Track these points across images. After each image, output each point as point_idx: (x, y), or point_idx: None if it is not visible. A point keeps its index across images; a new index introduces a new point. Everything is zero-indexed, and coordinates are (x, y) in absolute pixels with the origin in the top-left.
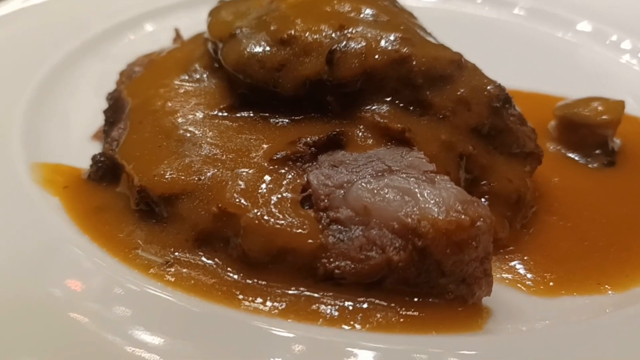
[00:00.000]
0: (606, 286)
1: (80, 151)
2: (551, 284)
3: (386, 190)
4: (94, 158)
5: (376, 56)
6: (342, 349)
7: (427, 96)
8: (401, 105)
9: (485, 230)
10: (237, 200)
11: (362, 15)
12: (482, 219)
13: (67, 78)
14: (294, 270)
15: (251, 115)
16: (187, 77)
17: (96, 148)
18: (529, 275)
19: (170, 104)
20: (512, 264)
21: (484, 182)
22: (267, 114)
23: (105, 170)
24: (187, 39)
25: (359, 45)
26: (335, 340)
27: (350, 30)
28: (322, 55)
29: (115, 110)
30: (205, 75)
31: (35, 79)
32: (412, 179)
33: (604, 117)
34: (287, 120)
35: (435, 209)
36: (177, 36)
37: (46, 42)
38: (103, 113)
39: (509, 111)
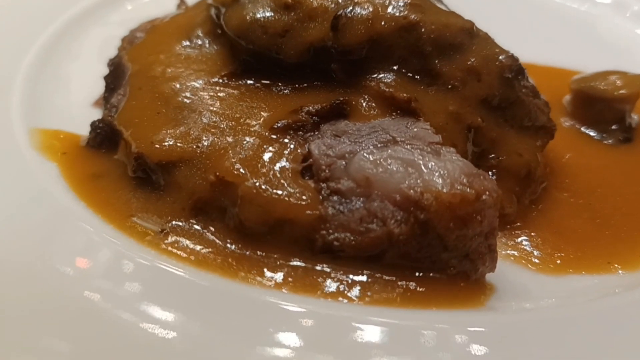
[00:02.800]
0: (616, 265)
1: (81, 117)
2: (559, 262)
3: (389, 162)
4: (92, 124)
5: (383, 22)
6: (347, 323)
7: (435, 65)
8: (408, 74)
9: (491, 205)
10: (236, 169)
11: None
12: (487, 193)
13: (69, 43)
14: (292, 241)
15: (253, 82)
16: (188, 43)
17: (97, 114)
18: (535, 253)
19: (170, 70)
20: (519, 240)
21: (493, 155)
22: (270, 82)
23: (104, 137)
24: (191, 5)
25: (366, 11)
26: (338, 315)
27: None
28: (327, 20)
29: (115, 76)
30: (207, 41)
31: (36, 44)
32: (416, 150)
33: (621, 91)
34: (289, 88)
35: (440, 182)
36: (182, 1)
37: (48, 7)
38: (104, 79)
39: (522, 83)
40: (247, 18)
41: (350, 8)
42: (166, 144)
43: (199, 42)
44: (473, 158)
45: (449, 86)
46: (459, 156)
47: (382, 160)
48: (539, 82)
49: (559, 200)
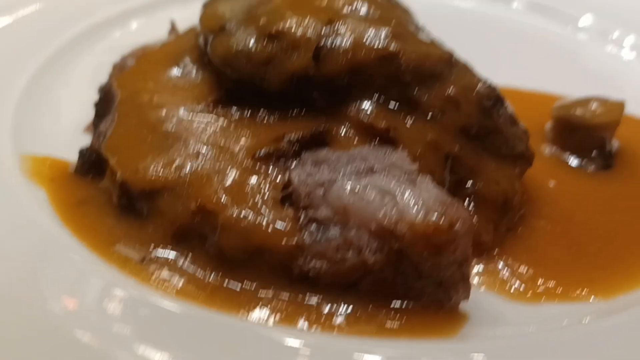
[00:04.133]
0: (591, 294)
1: (72, 143)
2: (533, 289)
3: (366, 190)
4: (81, 152)
5: (364, 52)
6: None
7: (415, 94)
8: (388, 103)
9: (464, 234)
10: (217, 197)
11: (353, 10)
12: (460, 222)
13: (62, 69)
14: (270, 269)
15: (237, 110)
16: (176, 71)
17: (88, 140)
18: (511, 280)
19: (157, 98)
20: (495, 267)
21: (470, 183)
22: (253, 110)
23: (92, 164)
24: (182, 32)
25: (347, 41)
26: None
27: (339, 25)
28: (309, 50)
29: (105, 103)
30: (194, 69)
31: (29, 69)
32: (393, 179)
33: (601, 118)
34: (273, 116)
35: (414, 211)
36: (173, 29)
37: (42, 32)
38: (94, 106)
39: (500, 111)
40: (232, 47)
41: (332, 38)
42: (150, 172)
43: (187, 69)
44: (450, 186)
45: (428, 115)
46: (434, 185)
47: (359, 189)
48: (522, 107)
49: (537, 227)
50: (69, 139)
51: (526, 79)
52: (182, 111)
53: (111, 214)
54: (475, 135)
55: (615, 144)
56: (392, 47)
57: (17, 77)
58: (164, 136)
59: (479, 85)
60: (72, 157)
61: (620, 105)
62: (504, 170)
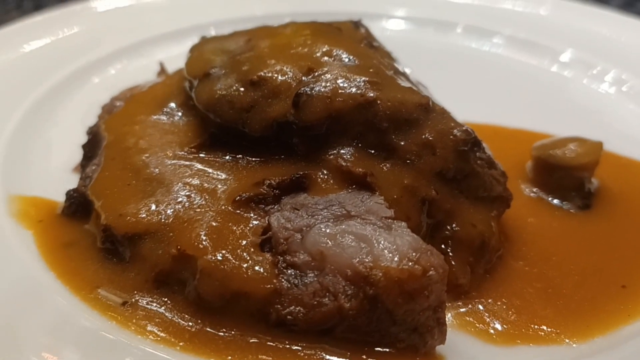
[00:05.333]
0: (564, 337)
1: (61, 184)
2: (508, 332)
3: (343, 236)
4: (67, 193)
5: (341, 100)
6: None
7: (392, 140)
8: (366, 148)
9: (438, 280)
10: (196, 242)
11: (332, 58)
12: (434, 269)
13: (52, 108)
14: (248, 315)
15: (220, 154)
16: (161, 114)
17: (76, 181)
18: (487, 323)
19: (142, 142)
20: (471, 310)
21: (447, 226)
22: (236, 154)
23: (78, 206)
24: (171, 73)
25: (325, 89)
26: None
27: (318, 73)
28: (289, 97)
29: (93, 145)
30: (180, 113)
31: (19, 109)
32: (369, 225)
33: (580, 159)
34: (254, 160)
35: (388, 257)
36: (162, 70)
37: (32, 71)
38: (82, 147)
39: (477, 154)
40: (216, 93)
41: (311, 86)
42: (132, 216)
43: (173, 113)
44: (427, 230)
45: (405, 160)
46: (409, 231)
47: (336, 234)
48: (503, 146)
49: (514, 269)
50: (58, 179)
51: (508, 115)
52: (166, 155)
53: (95, 258)
54: (452, 179)
55: (594, 183)
56: (370, 94)
57: (7, 117)
58: (147, 180)
59: (455, 130)
60: (60, 197)
61: (598, 146)
62: (480, 213)
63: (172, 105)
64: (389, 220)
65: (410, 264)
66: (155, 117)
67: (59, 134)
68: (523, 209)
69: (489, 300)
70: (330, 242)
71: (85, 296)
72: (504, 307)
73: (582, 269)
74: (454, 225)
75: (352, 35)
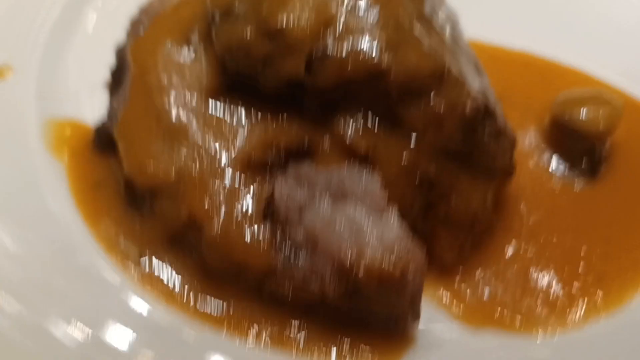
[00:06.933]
0: (536, 327)
1: (93, 101)
2: (482, 314)
3: (335, 220)
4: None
5: (354, 67)
6: None
7: (399, 111)
8: (373, 118)
9: (416, 276)
10: (205, 206)
11: (353, 9)
12: (412, 271)
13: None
14: (247, 285)
15: (235, 103)
16: (184, 45)
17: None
18: (463, 303)
19: (164, 79)
20: (449, 286)
21: (441, 205)
22: (250, 105)
23: (106, 141)
24: None
25: (338, 53)
26: None
27: (335, 30)
28: (301, 59)
29: (120, 70)
30: (201, 46)
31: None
32: (362, 211)
33: (594, 127)
34: (268, 114)
35: (373, 252)
36: None
37: None
38: (110, 73)
39: (486, 126)
40: (234, 38)
41: (325, 48)
42: (151, 172)
43: (195, 44)
44: (421, 210)
45: (410, 133)
46: (398, 222)
47: (330, 219)
48: (534, 84)
49: (501, 245)
50: (89, 96)
51: (546, 41)
52: (185, 99)
53: (119, 203)
54: (455, 153)
55: (607, 148)
56: (382, 63)
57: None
58: (166, 129)
59: (467, 103)
60: (93, 115)
61: (617, 113)
62: (478, 189)
63: (196, 34)
64: (382, 206)
65: (390, 265)
66: (177, 48)
67: (88, 46)
68: (527, 174)
69: (470, 278)
70: (323, 225)
71: (107, 244)
72: (485, 287)
73: (565, 251)
74: (447, 205)
75: None
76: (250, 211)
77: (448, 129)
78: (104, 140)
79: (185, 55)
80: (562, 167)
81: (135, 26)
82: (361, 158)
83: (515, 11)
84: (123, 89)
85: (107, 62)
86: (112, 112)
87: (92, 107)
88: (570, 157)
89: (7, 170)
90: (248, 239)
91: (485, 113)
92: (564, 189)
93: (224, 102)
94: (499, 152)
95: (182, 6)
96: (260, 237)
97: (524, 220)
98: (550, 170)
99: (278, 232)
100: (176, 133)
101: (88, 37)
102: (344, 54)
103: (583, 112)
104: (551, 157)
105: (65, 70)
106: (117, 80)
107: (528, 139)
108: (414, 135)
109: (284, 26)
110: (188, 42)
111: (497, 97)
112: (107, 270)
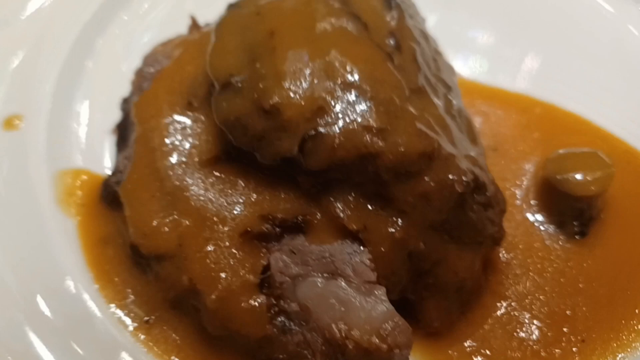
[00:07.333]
0: None
1: (101, 149)
2: None
3: (328, 295)
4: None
5: (345, 150)
6: None
7: (390, 191)
8: (364, 198)
9: (403, 350)
10: (205, 275)
11: (346, 88)
12: (399, 348)
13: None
14: (243, 351)
15: (233, 172)
16: (187, 107)
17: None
18: None
19: (167, 142)
20: (438, 352)
21: (430, 274)
22: (247, 175)
23: (113, 198)
24: (204, 29)
25: (331, 135)
26: None
27: (327, 111)
28: (296, 139)
29: (126, 124)
30: (202, 110)
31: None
32: (352, 288)
33: (584, 191)
34: (265, 184)
35: (361, 329)
36: (194, 25)
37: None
38: (116, 127)
39: (475, 199)
40: (232, 113)
41: (318, 129)
42: (155, 238)
43: (196, 109)
44: (411, 278)
45: (400, 211)
46: (387, 300)
47: (322, 293)
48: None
49: (490, 308)
50: (98, 143)
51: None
52: (186, 164)
53: (126, 262)
54: (443, 226)
55: (598, 205)
56: (373, 145)
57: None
58: (169, 194)
59: (456, 180)
60: (102, 164)
61: (610, 174)
62: (466, 257)
63: (197, 98)
64: (371, 285)
65: (378, 340)
66: (180, 109)
67: (98, 95)
68: (517, 232)
69: (460, 343)
70: (316, 299)
71: (118, 304)
72: (473, 352)
73: (551, 311)
74: (436, 274)
75: (379, 25)
76: (247, 281)
77: (437, 204)
78: (111, 195)
79: (188, 118)
80: (552, 226)
81: (139, 77)
82: (353, 234)
83: (517, 55)
84: (129, 146)
85: (115, 110)
86: (118, 168)
87: (102, 155)
88: (560, 216)
89: (17, 224)
90: (244, 308)
91: (474, 188)
92: (553, 248)
93: (224, 168)
94: (487, 223)
95: (185, 62)
96: (257, 307)
97: (512, 281)
98: (540, 228)
99: (273, 303)
100: (178, 199)
101: (97, 86)
102: (335, 137)
103: (575, 175)
104: (541, 215)
105: (75, 119)
106: (123, 135)
107: (520, 193)
108: (404, 212)
109: (278, 105)
110: (190, 104)
111: (492, 147)
112: (115, 329)
